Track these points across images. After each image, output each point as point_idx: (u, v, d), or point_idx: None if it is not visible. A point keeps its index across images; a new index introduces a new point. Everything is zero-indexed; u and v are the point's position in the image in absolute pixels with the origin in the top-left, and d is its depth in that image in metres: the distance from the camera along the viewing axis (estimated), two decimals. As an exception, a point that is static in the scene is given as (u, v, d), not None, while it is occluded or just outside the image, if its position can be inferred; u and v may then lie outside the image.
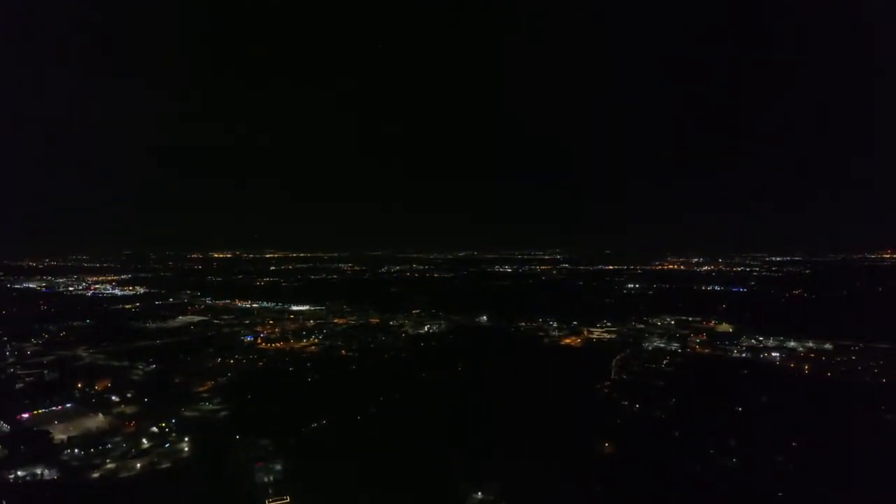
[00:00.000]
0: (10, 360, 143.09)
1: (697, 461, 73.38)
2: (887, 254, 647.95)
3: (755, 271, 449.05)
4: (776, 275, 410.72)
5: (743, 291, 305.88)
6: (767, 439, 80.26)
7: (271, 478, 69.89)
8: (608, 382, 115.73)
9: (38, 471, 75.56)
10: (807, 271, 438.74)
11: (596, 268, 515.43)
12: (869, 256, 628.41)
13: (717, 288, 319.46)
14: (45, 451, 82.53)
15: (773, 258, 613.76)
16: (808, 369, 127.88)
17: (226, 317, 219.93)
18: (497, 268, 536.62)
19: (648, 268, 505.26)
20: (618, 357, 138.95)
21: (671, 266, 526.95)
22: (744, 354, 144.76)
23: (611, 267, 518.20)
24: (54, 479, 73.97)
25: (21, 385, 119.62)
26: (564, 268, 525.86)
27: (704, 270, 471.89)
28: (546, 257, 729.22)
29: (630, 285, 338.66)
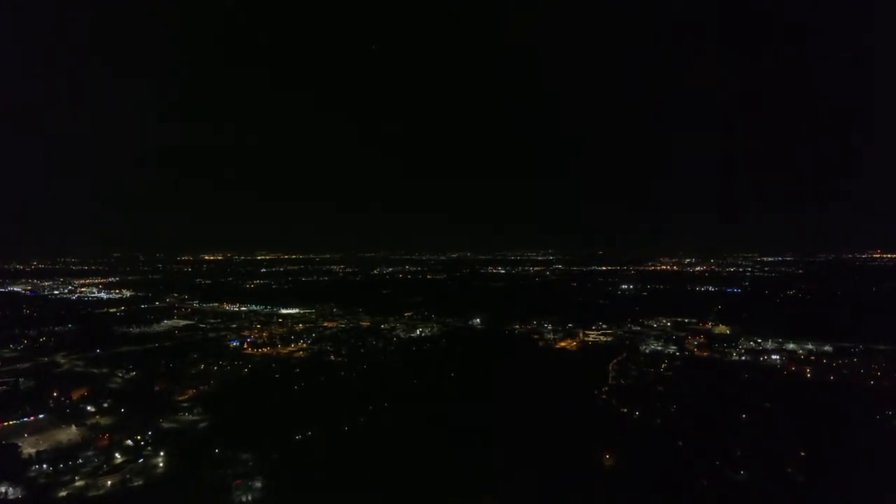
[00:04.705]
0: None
1: (703, 474, 69.69)
2: (877, 254, 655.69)
3: (748, 271, 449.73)
4: (769, 275, 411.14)
5: (737, 292, 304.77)
6: (775, 448, 76.82)
7: (250, 496, 65.28)
8: (606, 388, 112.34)
9: (3, 489, 70.59)
10: (799, 271, 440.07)
11: (589, 268, 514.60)
12: (859, 256, 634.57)
13: (711, 289, 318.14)
14: (11, 466, 77.52)
15: (765, 258, 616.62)
16: (809, 373, 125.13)
17: (213, 321, 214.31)
18: (490, 269, 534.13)
19: (641, 268, 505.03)
20: (615, 361, 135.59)
21: (664, 267, 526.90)
22: (743, 357, 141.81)
23: (604, 268, 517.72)
24: (19, 499, 69.13)
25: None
26: (558, 268, 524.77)
27: (697, 271, 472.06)
28: (539, 258, 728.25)
29: (624, 286, 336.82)
